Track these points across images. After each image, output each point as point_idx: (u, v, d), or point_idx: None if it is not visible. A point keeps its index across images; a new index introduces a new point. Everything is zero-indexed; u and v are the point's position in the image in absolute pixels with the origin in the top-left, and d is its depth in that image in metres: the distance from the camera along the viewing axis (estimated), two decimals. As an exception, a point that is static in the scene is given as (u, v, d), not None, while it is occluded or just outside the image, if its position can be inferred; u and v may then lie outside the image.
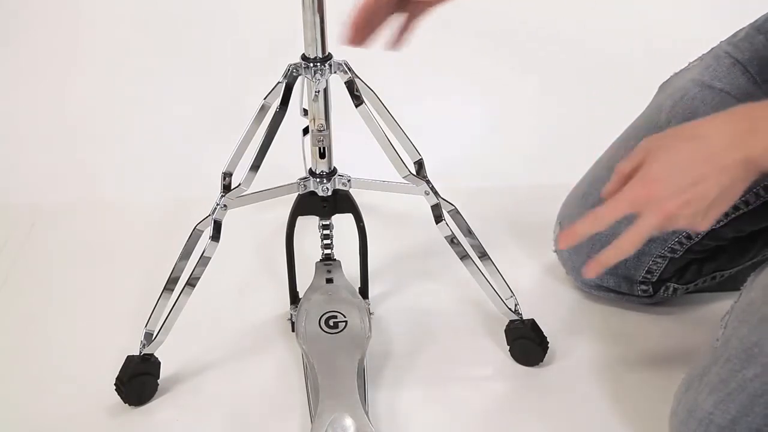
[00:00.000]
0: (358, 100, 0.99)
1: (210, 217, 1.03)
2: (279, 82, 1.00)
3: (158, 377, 1.08)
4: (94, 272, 1.32)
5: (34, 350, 1.17)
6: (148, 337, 1.05)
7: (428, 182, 1.06)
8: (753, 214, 1.11)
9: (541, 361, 1.13)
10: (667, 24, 1.86)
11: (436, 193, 1.06)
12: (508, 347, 1.14)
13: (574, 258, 1.19)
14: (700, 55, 1.19)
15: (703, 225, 0.83)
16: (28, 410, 1.08)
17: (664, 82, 1.21)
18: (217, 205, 1.02)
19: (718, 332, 0.91)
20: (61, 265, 1.34)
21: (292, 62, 0.99)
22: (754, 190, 1.09)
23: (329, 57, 0.98)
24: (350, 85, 0.99)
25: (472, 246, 1.10)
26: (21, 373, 1.14)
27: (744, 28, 1.14)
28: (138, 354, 1.05)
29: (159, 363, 1.07)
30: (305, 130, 1.08)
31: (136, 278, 1.28)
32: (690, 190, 0.79)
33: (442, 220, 1.07)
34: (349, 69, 0.99)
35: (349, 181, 1.06)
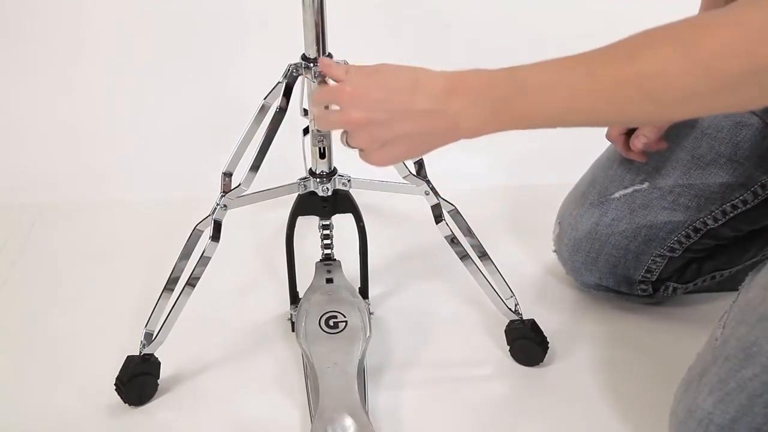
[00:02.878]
0: None
1: (210, 217, 1.03)
2: (279, 82, 1.00)
3: (158, 377, 1.08)
4: (94, 272, 1.32)
5: (34, 350, 1.17)
6: (148, 337, 1.05)
7: (428, 182, 1.06)
8: (751, 213, 1.11)
9: (541, 361, 1.13)
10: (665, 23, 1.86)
11: (436, 193, 1.06)
12: (508, 347, 1.14)
13: (574, 258, 1.19)
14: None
15: (375, 158, 0.85)
16: (28, 410, 1.08)
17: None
18: (217, 205, 1.02)
19: (716, 332, 0.91)
20: (61, 265, 1.34)
21: (292, 62, 0.99)
22: (752, 188, 1.09)
23: (329, 57, 0.98)
24: None
25: (472, 246, 1.10)
26: (21, 373, 1.14)
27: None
28: (138, 354, 1.05)
29: (159, 363, 1.07)
30: (305, 130, 1.08)
31: (136, 278, 1.28)
32: (380, 113, 0.82)
33: (442, 220, 1.07)
34: None
35: (349, 181, 1.06)
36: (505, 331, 1.14)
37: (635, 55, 0.72)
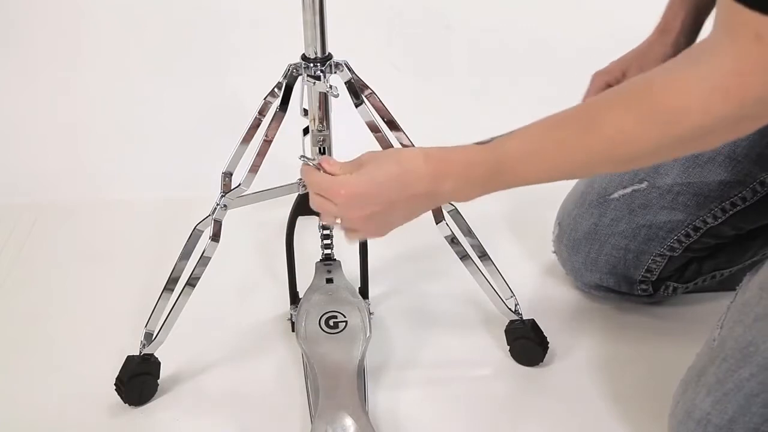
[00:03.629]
0: (358, 100, 0.99)
1: (210, 217, 1.03)
2: (279, 82, 1.00)
3: (158, 377, 1.08)
4: (95, 272, 1.32)
5: (34, 349, 1.17)
6: (148, 337, 1.05)
7: None
8: (752, 211, 1.11)
9: (541, 361, 1.13)
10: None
11: None
12: (508, 347, 1.14)
13: (573, 258, 1.19)
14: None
15: (379, 236, 0.92)
16: (27, 410, 1.08)
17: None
18: (217, 205, 1.02)
19: (714, 332, 0.91)
20: (61, 264, 1.34)
21: (292, 62, 0.99)
22: (751, 185, 1.09)
23: (329, 57, 0.98)
24: (350, 85, 0.99)
25: (472, 246, 1.10)
26: (21, 372, 1.14)
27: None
28: (138, 354, 1.05)
29: (159, 363, 1.07)
30: (305, 130, 1.08)
31: (136, 278, 1.28)
32: (377, 206, 0.87)
33: (442, 220, 1.07)
34: (350, 69, 0.99)
35: None
36: (506, 331, 1.14)
37: (598, 125, 0.77)
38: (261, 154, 0.99)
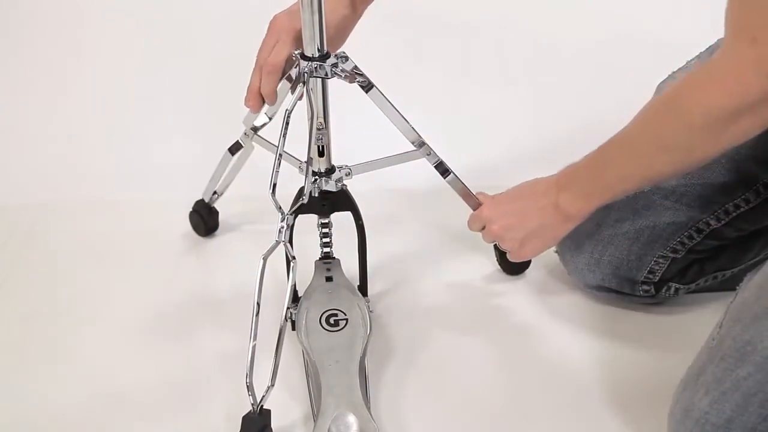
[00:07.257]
0: (367, 85, 1.01)
1: (279, 242, 1.00)
2: (299, 89, 0.99)
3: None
4: (94, 272, 1.32)
5: (34, 351, 1.17)
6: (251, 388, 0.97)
7: (426, 145, 1.11)
8: (754, 213, 1.11)
9: (527, 267, 1.23)
10: (665, 23, 1.87)
11: (434, 153, 1.13)
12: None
13: (576, 259, 1.19)
14: (697, 53, 1.19)
15: (521, 253, 1.11)
16: (26, 409, 1.08)
17: (661, 82, 1.21)
18: (281, 228, 0.99)
19: (714, 332, 0.91)
20: (61, 265, 1.34)
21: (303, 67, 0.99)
22: (754, 187, 1.09)
23: (328, 55, 0.98)
24: (356, 74, 0.99)
25: None
26: (19, 373, 1.13)
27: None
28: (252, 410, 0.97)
29: (269, 411, 0.99)
30: (231, 149, 1.10)
31: (135, 278, 1.28)
32: (512, 217, 1.09)
33: (449, 174, 1.14)
34: (349, 59, 1.00)
35: (350, 171, 1.06)
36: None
37: (653, 127, 0.95)
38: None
